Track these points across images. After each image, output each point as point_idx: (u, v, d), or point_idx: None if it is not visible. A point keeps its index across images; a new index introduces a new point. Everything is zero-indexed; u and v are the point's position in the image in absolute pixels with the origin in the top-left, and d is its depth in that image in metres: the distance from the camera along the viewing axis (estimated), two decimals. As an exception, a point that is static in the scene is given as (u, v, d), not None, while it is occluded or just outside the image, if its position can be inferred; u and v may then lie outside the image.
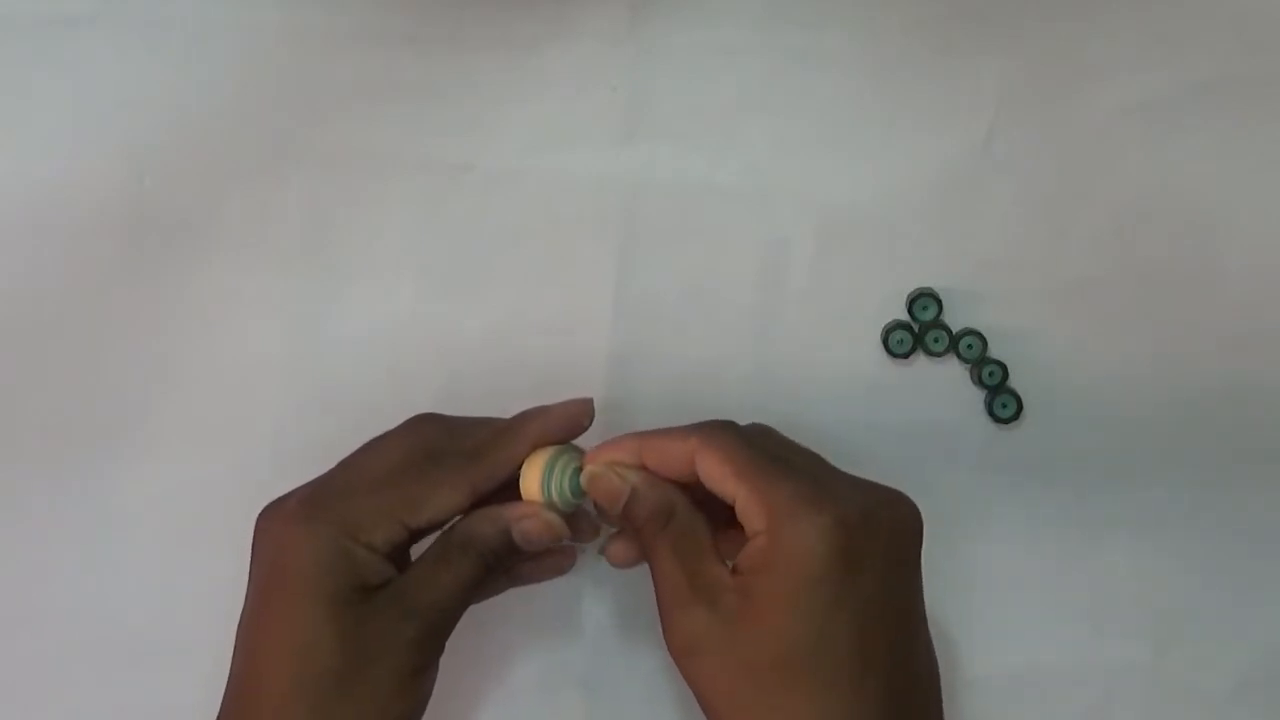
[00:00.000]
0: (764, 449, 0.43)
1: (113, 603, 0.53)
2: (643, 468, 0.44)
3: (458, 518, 0.45)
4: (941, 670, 0.53)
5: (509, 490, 0.46)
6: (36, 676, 0.53)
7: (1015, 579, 0.54)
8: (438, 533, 0.45)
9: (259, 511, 0.45)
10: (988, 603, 0.54)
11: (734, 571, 0.42)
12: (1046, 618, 0.54)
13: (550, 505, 0.45)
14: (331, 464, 0.51)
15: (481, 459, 0.45)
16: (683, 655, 0.42)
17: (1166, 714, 0.54)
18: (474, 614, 0.49)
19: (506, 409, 0.51)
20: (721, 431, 0.44)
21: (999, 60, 0.52)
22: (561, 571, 0.49)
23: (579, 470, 0.45)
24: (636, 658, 0.53)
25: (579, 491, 0.45)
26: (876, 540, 0.41)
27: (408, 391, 0.53)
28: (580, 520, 0.47)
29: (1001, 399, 0.53)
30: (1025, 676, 0.54)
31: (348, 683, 0.42)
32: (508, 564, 0.46)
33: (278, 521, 0.44)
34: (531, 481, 0.45)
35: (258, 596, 0.44)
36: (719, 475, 0.42)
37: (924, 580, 0.52)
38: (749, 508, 0.42)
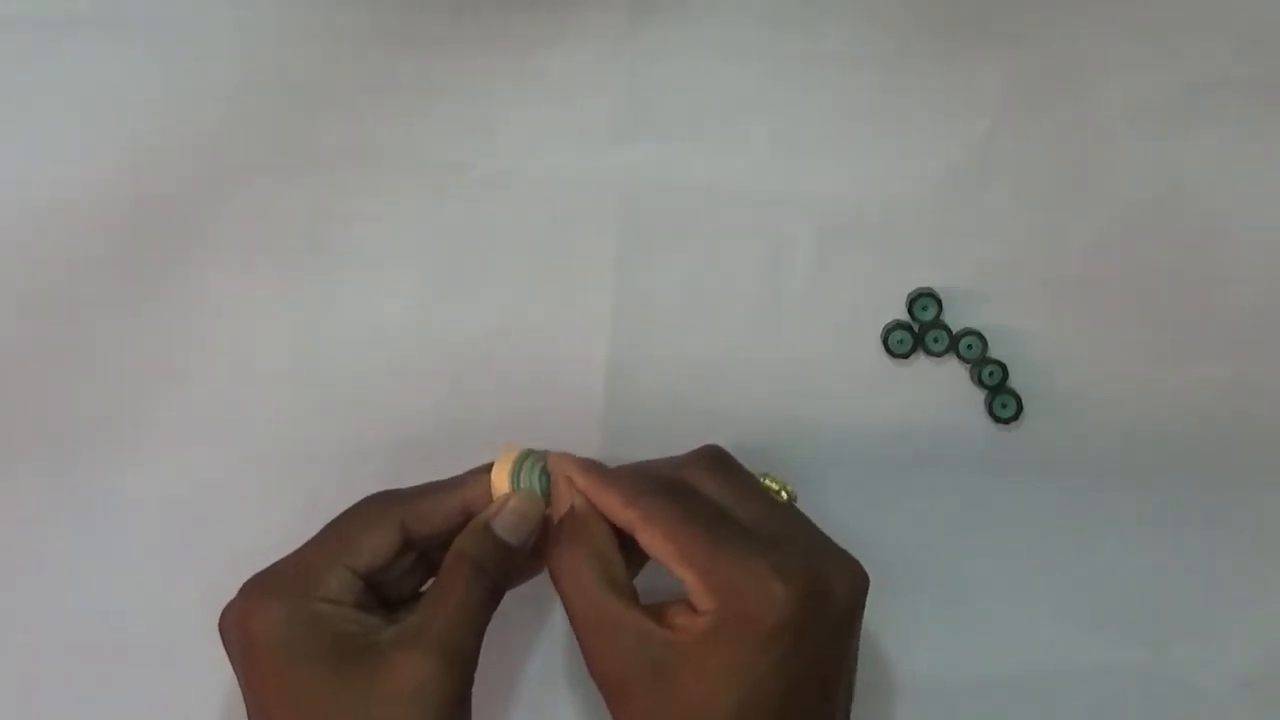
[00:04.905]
0: (707, 516, 0.43)
1: (113, 603, 0.53)
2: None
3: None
4: (941, 671, 0.54)
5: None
6: (36, 677, 0.53)
7: (1014, 579, 0.54)
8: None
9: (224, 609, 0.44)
10: (987, 603, 0.54)
11: (670, 626, 0.42)
12: (1046, 618, 0.54)
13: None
14: (329, 464, 0.52)
15: (411, 498, 0.45)
16: (611, 689, 0.42)
17: (1166, 714, 0.54)
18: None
19: (506, 409, 0.51)
20: (661, 505, 0.43)
21: (999, 60, 0.52)
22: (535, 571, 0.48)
23: (544, 471, 0.46)
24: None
25: (547, 491, 0.46)
26: (824, 611, 0.41)
27: (408, 391, 0.53)
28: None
29: (1001, 399, 0.53)
30: (1025, 676, 0.54)
31: None
32: (512, 571, 0.45)
33: (234, 612, 0.43)
34: (501, 478, 0.45)
35: (253, 686, 0.42)
36: (662, 554, 0.42)
37: (923, 579, 0.53)
38: (696, 590, 0.41)
